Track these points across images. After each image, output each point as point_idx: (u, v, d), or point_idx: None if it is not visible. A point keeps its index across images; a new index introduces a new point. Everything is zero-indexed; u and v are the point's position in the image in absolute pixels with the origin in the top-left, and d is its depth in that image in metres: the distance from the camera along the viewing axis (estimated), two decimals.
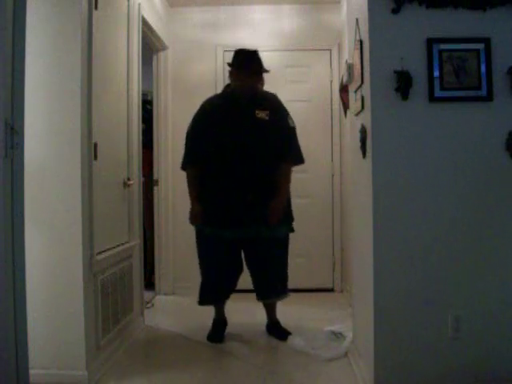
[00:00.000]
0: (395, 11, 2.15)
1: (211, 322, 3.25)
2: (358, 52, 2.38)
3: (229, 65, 3.12)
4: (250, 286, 3.13)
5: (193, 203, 3.10)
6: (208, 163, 3.07)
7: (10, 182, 1.64)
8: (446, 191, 2.17)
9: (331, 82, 4.46)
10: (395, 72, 2.13)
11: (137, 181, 3.32)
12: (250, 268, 3.20)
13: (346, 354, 2.75)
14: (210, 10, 4.46)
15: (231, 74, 3.11)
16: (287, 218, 3.16)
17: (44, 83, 2.37)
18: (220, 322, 3.27)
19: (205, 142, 3.07)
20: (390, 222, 2.17)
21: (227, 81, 3.30)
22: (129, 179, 3.13)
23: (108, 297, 2.70)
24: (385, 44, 2.16)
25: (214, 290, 3.20)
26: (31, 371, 1.83)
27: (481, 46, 2.14)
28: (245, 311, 3.68)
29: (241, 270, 3.23)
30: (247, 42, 4.41)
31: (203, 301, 3.22)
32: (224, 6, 4.45)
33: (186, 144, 3.17)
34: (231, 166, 3.02)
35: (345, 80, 3.00)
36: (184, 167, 3.18)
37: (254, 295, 3.21)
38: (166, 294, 4.31)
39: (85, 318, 2.38)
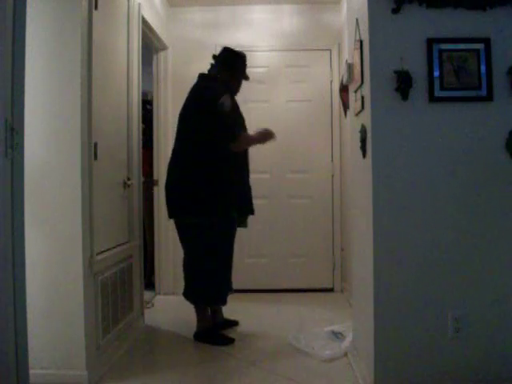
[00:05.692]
0: (395, 11, 2.15)
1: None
2: (358, 52, 2.38)
3: (231, 66, 3.21)
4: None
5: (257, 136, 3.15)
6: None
7: (10, 182, 1.63)
8: (445, 191, 2.17)
9: (331, 81, 4.46)
10: (395, 72, 2.13)
11: (137, 181, 3.32)
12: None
13: (345, 354, 2.75)
14: (210, 10, 4.46)
15: (232, 75, 3.21)
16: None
17: (44, 83, 2.37)
18: (223, 324, 3.28)
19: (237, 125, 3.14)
20: (389, 222, 2.17)
21: None
22: (129, 179, 3.13)
23: (108, 297, 2.70)
24: (385, 44, 2.16)
25: (228, 285, 3.17)
26: (31, 371, 1.82)
27: (481, 46, 2.14)
28: (244, 311, 3.68)
29: None
30: (247, 42, 4.43)
31: (222, 299, 3.16)
32: (224, 6, 4.45)
33: (226, 121, 3.01)
34: (245, 158, 3.28)
35: (345, 80, 3.00)
36: (234, 138, 3.03)
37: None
38: (165, 294, 4.30)
39: (85, 318, 2.38)
